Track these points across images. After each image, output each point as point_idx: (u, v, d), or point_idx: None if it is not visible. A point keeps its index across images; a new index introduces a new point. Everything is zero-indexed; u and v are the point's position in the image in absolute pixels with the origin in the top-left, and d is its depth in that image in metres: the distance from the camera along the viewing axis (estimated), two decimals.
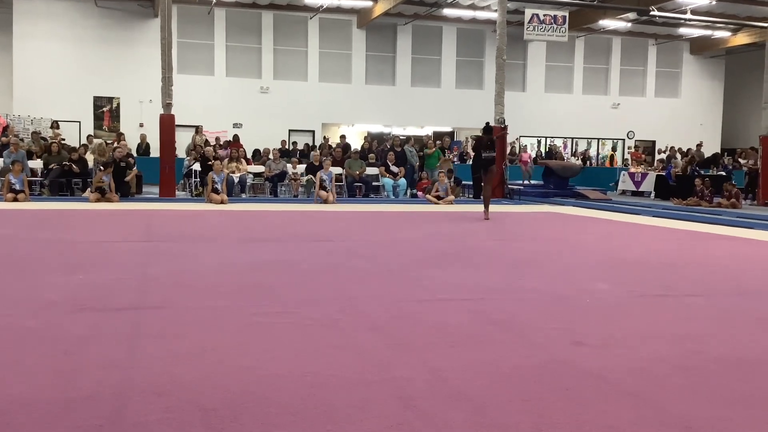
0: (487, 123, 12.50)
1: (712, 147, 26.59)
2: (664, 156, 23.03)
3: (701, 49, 27.59)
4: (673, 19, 22.58)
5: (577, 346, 3.66)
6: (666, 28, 25.71)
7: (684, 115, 27.75)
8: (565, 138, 27.24)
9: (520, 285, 5.57)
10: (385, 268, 6.32)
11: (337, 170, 15.91)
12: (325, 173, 14.64)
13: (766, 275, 6.49)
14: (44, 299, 4.55)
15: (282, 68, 23.93)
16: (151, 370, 3.08)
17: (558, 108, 26.34)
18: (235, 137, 19.91)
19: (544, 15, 20.81)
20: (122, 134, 18.98)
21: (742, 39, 25.27)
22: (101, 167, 13.78)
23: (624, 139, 27.62)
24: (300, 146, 21.03)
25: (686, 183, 17.35)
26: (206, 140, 18.72)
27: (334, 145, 18.81)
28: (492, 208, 12.16)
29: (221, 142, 19.52)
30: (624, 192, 20.62)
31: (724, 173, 19.91)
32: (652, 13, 20.85)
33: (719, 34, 25.70)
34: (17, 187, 13.11)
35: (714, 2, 21.40)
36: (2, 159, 14.35)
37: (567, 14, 21.17)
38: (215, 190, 13.86)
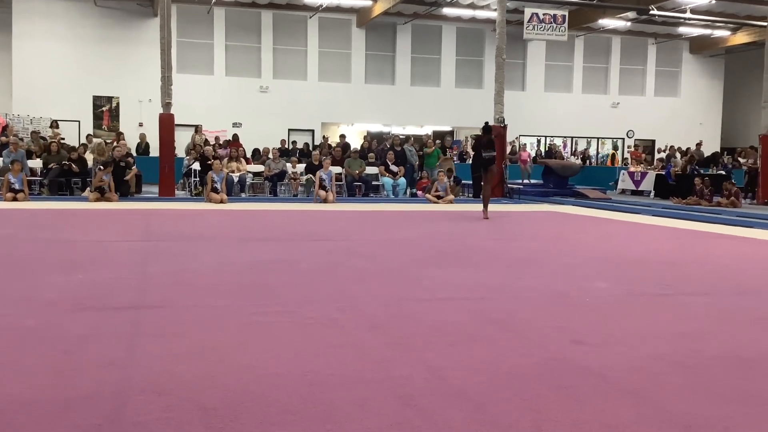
0: (486, 123, 12.50)
1: (711, 146, 26.59)
2: (663, 155, 23.04)
3: (701, 48, 27.59)
4: (673, 18, 22.58)
5: (577, 344, 3.67)
6: (665, 28, 25.71)
7: (684, 114, 27.75)
8: (565, 137, 27.24)
9: (520, 284, 5.58)
10: (385, 267, 6.33)
11: (337, 169, 15.91)
12: (325, 173, 14.64)
13: (766, 274, 6.49)
14: (44, 298, 4.55)
15: (281, 67, 23.92)
16: (150, 369, 3.08)
17: (557, 107, 26.34)
18: (235, 136, 19.90)
19: (544, 14, 20.80)
20: (122, 134, 18.99)
21: (741, 38, 25.27)
22: (101, 167, 13.78)
23: (623, 139, 27.61)
24: (299, 145, 21.03)
25: (686, 182, 17.35)
26: (206, 140, 18.72)
27: (333, 145, 18.81)
28: (491, 207, 12.17)
29: (221, 142, 19.51)
30: (624, 191, 20.62)
31: (723, 172, 19.91)
32: (651, 12, 20.86)
33: (719, 33, 25.70)
34: (17, 186, 13.10)
35: (713, 1, 21.39)
36: (2, 158, 14.34)
37: (566, 13, 21.16)
38: (215, 190, 13.86)
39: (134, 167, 15.22)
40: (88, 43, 21.83)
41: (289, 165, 16.56)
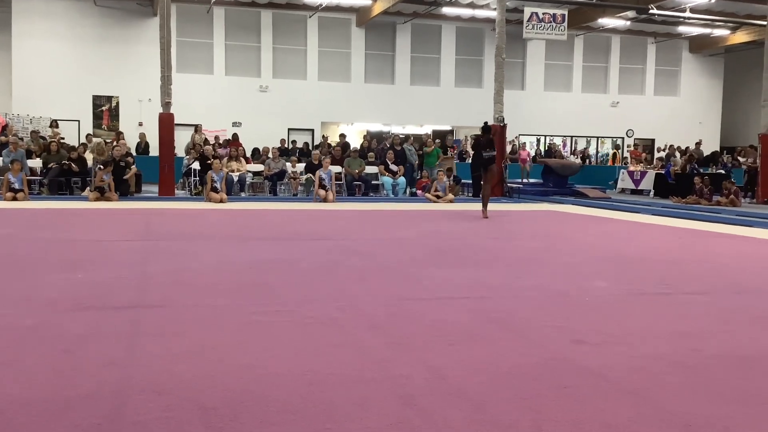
0: (486, 122, 12.50)
1: (711, 145, 26.61)
2: (663, 154, 23.04)
3: (700, 48, 27.59)
4: (672, 18, 22.57)
5: (577, 344, 3.67)
6: (665, 27, 25.71)
7: (683, 113, 27.75)
8: (565, 136, 27.24)
9: (520, 283, 5.58)
10: (385, 266, 6.33)
11: (337, 169, 15.91)
12: (324, 172, 14.63)
13: (766, 273, 6.49)
14: (43, 298, 4.55)
15: (281, 67, 23.92)
16: (150, 368, 3.08)
17: (557, 106, 26.33)
18: (235, 136, 19.90)
19: (543, 13, 20.80)
20: (121, 133, 18.98)
21: (741, 37, 25.27)
22: (101, 166, 13.77)
23: (623, 138, 27.61)
24: (299, 145, 21.03)
25: (685, 181, 17.35)
26: (205, 139, 18.71)
27: (333, 144, 18.81)
28: (491, 206, 12.17)
29: (220, 141, 19.51)
30: (623, 190, 20.62)
31: (723, 171, 19.91)
32: (651, 11, 20.85)
33: (718, 32, 25.70)
34: (16, 186, 13.10)
35: (713, 0, 21.40)
36: (1, 158, 14.34)
37: (566, 13, 21.16)
38: (214, 189, 13.85)
39: (134, 167, 15.22)
40: (88, 42, 21.82)
41: (288, 164, 16.55)
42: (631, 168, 21.13)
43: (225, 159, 15.97)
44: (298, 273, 5.75)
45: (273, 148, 18.04)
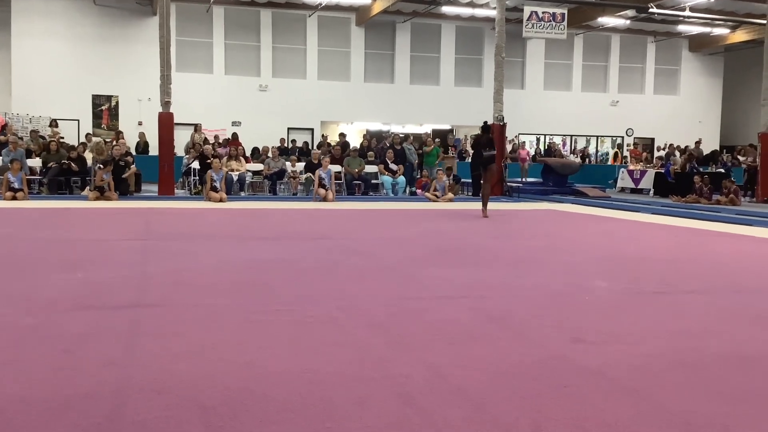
0: (486, 121, 12.51)
1: (711, 144, 26.62)
2: (663, 153, 23.04)
3: (700, 46, 27.59)
4: (672, 16, 22.57)
5: (576, 343, 3.67)
6: (665, 26, 25.70)
7: (683, 112, 27.75)
8: (564, 135, 27.23)
9: (519, 282, 5.58)
10: (384, 265, 6.33)
11: (336, 168, 15.90)
12: (324, 171, 14.63)
13: (765, 272, 6.49)
14: (43, 297, 4.55)
15: (281, 66, 23.91)
16: (150, 368, 3.08)
17: (557, 105, 26.33)
18: (234, 135, 19.89)
19: (543, 12, 20.80)
20: (121, 132, 18.98)
21: (740, 36, 25.27)
22: (100, 165, 13.77)
23: (623, 137, 27.61)
24: (299, 144, 21.03)
25: (685, 180, 17.35)
26: (205, 138, 18.71)
27: (333, 143, 18.80)
28: (491, 205, 12.16)
29: (220, 140, 19.51)
30: (623, 189, 20.62)
31: (723, 170, 19.91)
32: (650, 10, 20.84)
33: (718, 31, 25.70)
34: (16, 185, 13.10)
35: None
36: (1, 157, 14.33)
37: (566, 11, 21.16)
38: (214, 189, 13.85)
39: (133, 166, 15.21)
40: (88, 41, 21.81)
41: (288, 164, 16.56)
42: (631, 167, 21.13)
43: (224, 158, 15.96)
44: (297, 272, 5.75)
45: (272, 147, 18.04)
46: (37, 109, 20.13)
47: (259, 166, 16.77)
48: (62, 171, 14.80)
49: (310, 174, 15.37)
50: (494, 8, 18.44)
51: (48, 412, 2.54)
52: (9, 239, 7.71)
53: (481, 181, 12.21)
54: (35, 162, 15.34)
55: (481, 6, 22.74)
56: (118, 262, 6.05)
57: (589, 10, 22.93)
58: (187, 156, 16.92)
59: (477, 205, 12.18)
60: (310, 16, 23.66)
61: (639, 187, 19.95)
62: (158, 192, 15.20)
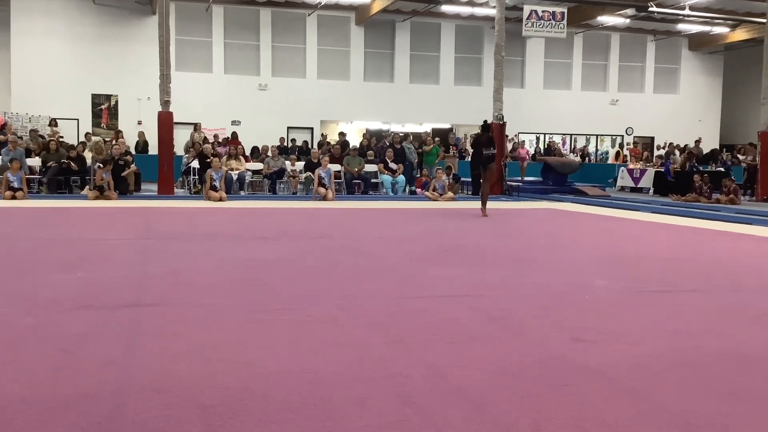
0: (486, 120, 12.51)
1: (710, 143, 26.62)
2: (662, 152, 23.04)
3: (700, 45, 27.58)
4: (672, 15, 22.56)
5: (576, 342, 3.67)
6: (664, 24, 25.68)
7: (683, 111, 27.74)
8: (564, 134, 27.22)
9: (519, 281, 5.58)
10: (384, 264, 6.32)
11: (336, 167, 15.90)
12: (324, 171, 14.62)
13: (765, 271, 6.49)
14: (43, 297, 4.54)
15: (280, 65, 23.90)
16: (150, 367, 3.08)
17: (557, 104, 26.31)
18: (234, 134, 19.89)
19: (543, 11, 20.80)
20: (120, 132, 18.97)
21: (740, 35, 25.26)
22: (100, 165, 13.76)
23: (623, 136, 27.61)
24: (299, 143, 21.03)
25: (685, 179, 17.35)
26: (205, 137, 18.71)
27: (332, 143, 18.79)
28: (490, 204, 12.16)
29: (220, 140, 19.50)
30: (623, 188, 20.62)
31: (722, 169, 19.91)
32: (650, 9, 20.84)
33: (718, 30, 25.68)
34: (15, 185, 13.09)
35: None
36: (1, 157, 14.32)
37: (565, 10, 21.15)
38: (214, 188, 13.84)
39: (133, 165, 15.20)
40: (87, 41, 21.79)
41: (288, 163, 16.55)
42: (631, 166, 21.13)
43: (224, 157, 15.95)
44: (297, 272, 5.75)
45: (272, 146, 18.03)
46: (36, 109, 20.11)
47: (258, 166, 16.76)
48: (62, 170, 14.79)
49: (310, 173, 15.36)
50: (494, 7, 18.42)
51: (48, 412, 2.54)
52: (8, 239, 7.70)
53: (481, 180, 12.21)
54: (35, 161, 15.33)
55: (480, 5, 22.73)
56: (117, 262, 6.05)
57: (589, 8, 22.91)
58: (186, 155, 16.91)
59: (477, 204, 12.17)
60: (309, 15, 23.65)
61: (639, 186, 19.95)
62: (158, 191, 15.19)
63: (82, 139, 18.47)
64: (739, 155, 21.98)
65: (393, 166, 16.89)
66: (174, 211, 11.73)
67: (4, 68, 21.49)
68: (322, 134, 22.93)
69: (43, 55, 21.30)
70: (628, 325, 4.10)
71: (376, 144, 18.70)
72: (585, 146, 27.22)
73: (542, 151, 24.96)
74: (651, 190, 19.20)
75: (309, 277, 5.48)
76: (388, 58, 25.07)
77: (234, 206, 12.64)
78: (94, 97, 22.20)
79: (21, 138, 16.56)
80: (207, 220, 10.33)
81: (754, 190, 17.05)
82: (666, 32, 26.79)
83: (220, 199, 13.54)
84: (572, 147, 27.06)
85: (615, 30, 26.48)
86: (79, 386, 2.81)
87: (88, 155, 15.50)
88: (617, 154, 26.28)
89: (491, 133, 12.21)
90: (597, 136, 27.93)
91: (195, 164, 15.79)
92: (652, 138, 27.49)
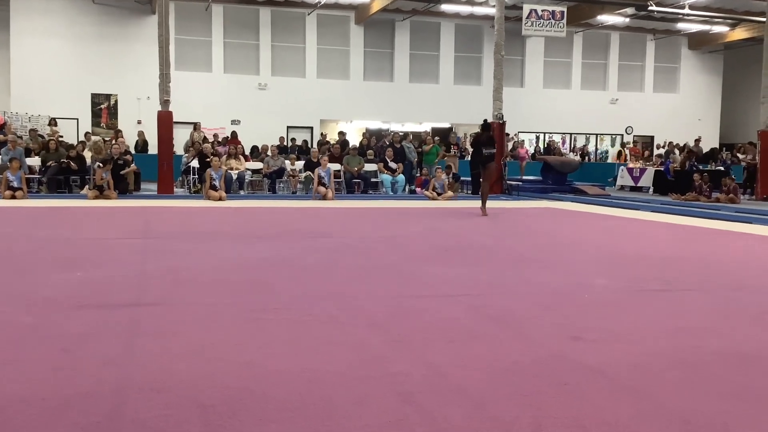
0: (485, 120, 12.51)
1: (710, 142, 26.61)
2: (662, 151, 23.04)
3: (699, 44, 27.58)
4: (672, 14, 22.56)
5: (576, 341, 3.66)
6: (664, 23, 25.69)
7: (682, 110, 27.74)
8: (564, 133, 27.22)
9: (519, 280, 5.58)
10: (384, 264, 6.32)
11: (336, 167, 15.90)
12: (323, 170, 14.61)
13: (764, 270, 6.49)
14: (42, 296, 4.54)
15: (280, 65, 23.89)
16: (149, 367, 3.08)
17: (556, 103, 26.32)
18: (233, 134, 19.90)
19: (542, 10, 20.79)
20: (120, 131, 18.97)
21: (740, 34, 25.26)
22: (99, 164, 13.76)
23: (623, 134, 27.61)
24: (298, 143, 21.02)
25: (684, 178, 17.34)
26: (204, 137, 18.71)
27: (332, 142, 18.78)
28: (490, 204, 12.16)
29: (219, 139, 19.50)
30: (622, 187, 20.62)
31: (722, 168, 19.90)
32: (650, 8, 20.83)
33: (717, 29, 25.68)
34: (15, 184, 13.10)
35: None
36: (0, 156, 14.32)
37: (565, 9, 21.15)
38: (213, 187, 13.84)
39: (133, 165, 15.20)
40: (87, 40, 21.79)
41: (287, 162, 16.55)
42: (631, 165, 21.13)
43: (224, 157, 15.95)
44: (296, 271, 5.74)
45: (272, 145, 18.03)
46: (36, 108, 20.11)
47: (258, 165, 16.76)
48: (61, 170, 14.79)
49: (310, 172, 15.36)
50: (493, 6, 18.41)
51: (48, 412, 2.53)
52: (8, 238, 7.70)
53: (481, 180, 12.21)
54: (34, 161, 15.32)
55: (480, 4, 22.72)
56: (117, 261, 6.04)
57: (589, 7, 22.91)
58: (186, 155, 16.91)
59: (476, 204, 12.17)
60: (309, 14, 23.64)
61: (638, 185, 19.95)
62: (157, 191, 15.20)
63: (81, 138, 18.47)
64: (738, 154, 21.98)
65: (393, 165, 16.89)
66: (173, 210, 11.73)
67: (3, 68, 21.48)
68: (322, 134, 22.94)
69: (42, 54, 21.29)
70: (628, 324, 4.09)
71: (376, 143, 18.70)
72: (585, 145, 27.22)
73: (542, 150, 24.95)
74: (651, 189, 19.19)
75: (309, 277, 5.48)
76: (388, 58, 25.07)
77: (234, 206, 12.63)
78: (94, 96, 22.19)
79: (21, 137, 16.55)
80: (206, 219, 10.33)
81: (754, 189, 17.05)
82: (666, 31, 26.80)
83: (220, 199, 13.54)
84: (572, 146, 27.06)
85: (615, 29, 26.48)
86: (79, 386, 2.81)
87: (87, 155, 15.50)
88: (619, 153, 26.27)
89: (491, 132, 12.21)
90: (597, 135, 27.93)
91: (195, 164, 15.79)
92: (652, 137, 27.50)
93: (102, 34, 21.85)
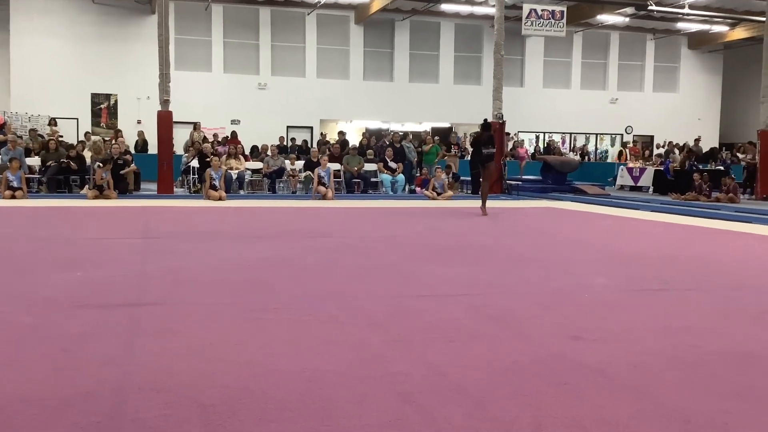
0: (485, 119, 12.51)
1: (710, 142, 26.61)
2: (662, 151, 23.03)
3: (699, 44, 27.57)
4: (671, 14, 22.56)
5: (576, 340, 3.67)
6: (664, 23, 25.69)
7: (682, 109, 27.74)
8: (564, 133, 27.22)
9: (518, 280, 5.58)
10: (383, 263, 6.32)
11: (336, 166, 15.90)
12: (323, 170, 14.61)
13: (764, 270, 6.49)
14: (42, 296, 4.54)
15: (280, 64, 23.89)
16: (149, 366, 3.08)
17: (556, 103, 26.31)
18: (233, 134, 19.89)
19: (542, 10, 20.78)
20: (120, 131, 18.96)
21: (740, 33, 25.26)
22: (99, 164, 13.76)
23: (622, 134, 27.61)
24: (298, 142, 21.02)
25: (684, 178, 17.33)
26: (204, 137, 18.70)
27: (332, 142, 18.78)
28: (490, 203, 12.16)
29: (219, 139, 19.49)
30: (622, 187, 20.61)
31: (722, 168, 19.90)
32: (650, 7, 20.83)
33: (717, 28, 25.68)
34: (15, 184, 13.10)
35: None
36: (0, 156, 14.32)
37: (565, 9, 21.14)
38: (213, 187, 13.84)
39: (132, 164, 15.20)
40: (86, 40, 21.78)
41: (287, 162, 16.55)
42: (630, 164, 21.13)
43: (224, 157, 15.95)
44: (296, 270, 5.74)
45: (272, 145, 18.02)
46: (35, 108, 20.10)
47: (258, 165, 16.76)
48: (61, 169, 14.78)
49: (310, 172, 15.36)
50: (493, 6, 18.41)
51: (48, 411, 2.54)
52: (8, 238, 7.70)
53: (481, 179, 12.21)
54: (34, 161, 15.32)
55: (480, 4, 22.72)
56: (117, 261, 6.04)
57: (588, 7, 22.91)
58: (186, 154, 16.91)
59: (476, 203, 12.18)
60: (309, 14, 23.64)
61: (638, 184, 19.94)
62: (157, 190, 15.19)
63: (81, 138, 18.47)
64: (738, 154, 21.97)
65: (392, 165, 16.89)
66: (173, 210, 11.73)
67: (3, 67, 21.47)
68: (322, 133, 22.93)
69: (42, 54, 21.29)
70: (627, 323, 4.10)
71: (376, 143, 18.71)
72: (584, 145, 27.21)
73: (542, 150, 24.95)
74: (650, 189, 19.18)
75: (309, 277, 5.48)
76: (388, 57, 25.06)
77: (233, 205, 12.63)
78: (94, 96, 22.19)
79: (20, 137, 16.55)
80: (206, 219, 10.33)
81: (754, 189, 17.05)
82: (665, 31, 26.79)
83: (220, 199, 13.54)
84: (572, 146, 27.06)
85: (614, 29, 26.47)
86: (79, 385, 2.81)
87: (87, 155, 15.50)
88: (620, 153, 26.26)
89: (492, 132, 12.21)
90: (596, 135, 27.93)
91: (194, 163, 15.78)
92: (652, 137, 27.50)
93: (102, 34, 21.85)
